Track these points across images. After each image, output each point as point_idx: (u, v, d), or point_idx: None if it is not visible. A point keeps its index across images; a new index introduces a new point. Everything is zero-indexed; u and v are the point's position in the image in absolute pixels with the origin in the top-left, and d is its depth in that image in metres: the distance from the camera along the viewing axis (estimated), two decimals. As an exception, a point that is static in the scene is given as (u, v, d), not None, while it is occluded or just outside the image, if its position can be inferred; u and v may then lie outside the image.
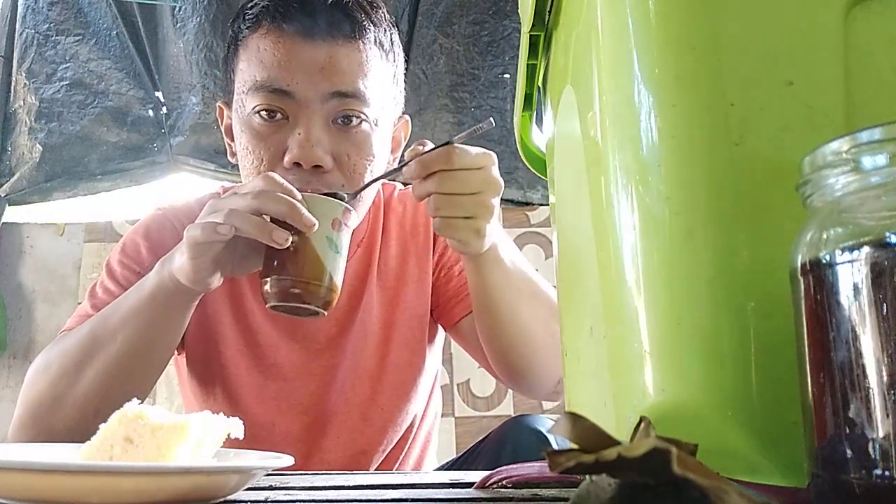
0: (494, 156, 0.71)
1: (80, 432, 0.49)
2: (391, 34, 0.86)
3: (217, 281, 0.72)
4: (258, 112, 0.80)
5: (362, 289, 0.93)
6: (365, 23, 0.81)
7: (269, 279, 0.69)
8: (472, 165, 0.68)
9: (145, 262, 0.88)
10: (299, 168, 0.78)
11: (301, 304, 0.69)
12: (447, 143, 0.68)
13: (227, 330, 0.91)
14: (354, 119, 0.80)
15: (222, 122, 0.91)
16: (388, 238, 0.96)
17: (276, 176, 0.70)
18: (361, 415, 0.91)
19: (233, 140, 0.87)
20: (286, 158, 0.78)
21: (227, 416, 0.50)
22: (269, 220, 0.67)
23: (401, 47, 0.90)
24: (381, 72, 0.83)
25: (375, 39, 0.82)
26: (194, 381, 0.93)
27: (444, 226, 0.70)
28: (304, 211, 0.67)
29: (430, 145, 0.69)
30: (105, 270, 0.90)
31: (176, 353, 0.94)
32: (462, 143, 0.69)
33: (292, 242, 0.67)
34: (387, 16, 0.86)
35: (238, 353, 0.91)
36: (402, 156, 0.73)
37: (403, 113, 0.93)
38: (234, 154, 0.88)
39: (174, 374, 0.99)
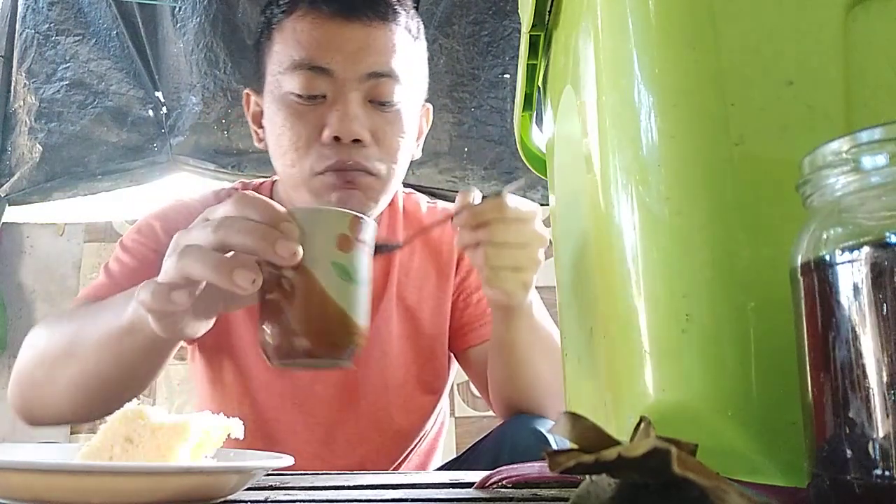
0: (540, 208, 0.69)
1: (69, 414, 0.48)
2: (417, 21, 0.89)
3: (204, 327, 0.60)
4: (296, 90, 0.80)
5: (380, 296, 0.92)
6: (396, 6, 0.84)
7: (265, 329, 0.51)
8: (523, 217, 0.67)
9: (161, 240, 0.87)
10: (338, 142, 0.79)
11: (311, 359, 0.51)
12: (498, 194, 0.65)
13: (238, 320, 0.90)
14: (389, 98, 0.82)
15: (248, 109, 0.92)
16: (413, 249, 0.96)
17: (252, 193, 0.54)
18: (375, 426, 0.91)
19: (260, 126, 0.88)
20: (325, 133, 0.79)
21: (239, 409, 0.49)
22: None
23: (424, 34, 0.92)
24: (410, 54, 0.86)
25: (405, 23, 0.85)
26: (206, 370, 0.92)
27: (494, 277, 0.68)
28: (278, 237, 0.49)
29: (476, 192, 0.67)
30: (119, 247, 0.89)
31: (186, 345, 0.93)
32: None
33: (288, 280, 0.50)
34: (411, 3, 0.89)
35: (249, 346, 0.90)
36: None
37: (426, 101, 0.94)
38: (260, 140, 0.89)
39: (174, 375, 0.98)
